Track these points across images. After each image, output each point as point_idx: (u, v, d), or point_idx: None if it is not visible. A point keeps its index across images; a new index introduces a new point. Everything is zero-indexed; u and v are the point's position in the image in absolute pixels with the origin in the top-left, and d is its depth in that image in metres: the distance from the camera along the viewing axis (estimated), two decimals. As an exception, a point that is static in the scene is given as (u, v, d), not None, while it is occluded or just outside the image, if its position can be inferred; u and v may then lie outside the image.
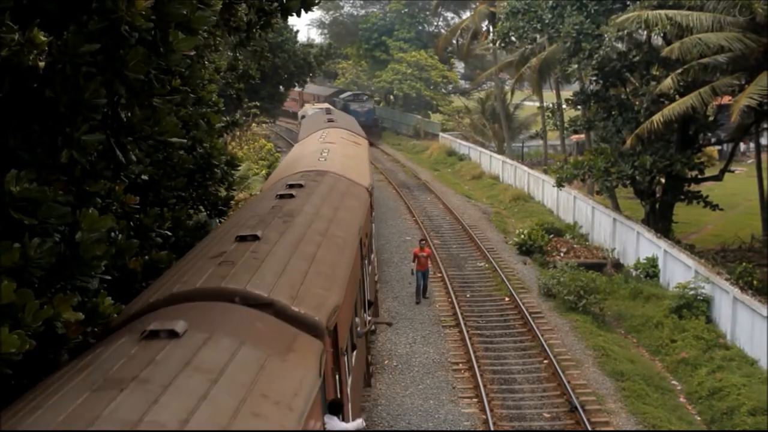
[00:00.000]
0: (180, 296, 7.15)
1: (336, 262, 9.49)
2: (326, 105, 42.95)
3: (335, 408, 7.67)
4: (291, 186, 13.16)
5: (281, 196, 12.10)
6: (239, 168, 15.16)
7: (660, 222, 25.49)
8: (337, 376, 8.26)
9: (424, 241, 23.43)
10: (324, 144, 21.17)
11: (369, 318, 13.35)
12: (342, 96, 58.25)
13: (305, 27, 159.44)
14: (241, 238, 8.92)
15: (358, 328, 11.33)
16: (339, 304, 8.13)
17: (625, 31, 23.82)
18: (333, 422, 7.52)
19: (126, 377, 5.12)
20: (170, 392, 4.95)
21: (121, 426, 4.44)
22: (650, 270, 22.59)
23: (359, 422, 8.68)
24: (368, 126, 47.83)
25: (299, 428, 5.31)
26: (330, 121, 28.75)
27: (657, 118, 22.09)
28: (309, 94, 62.11)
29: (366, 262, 14.23)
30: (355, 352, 10.73)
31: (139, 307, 7.22)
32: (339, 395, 8.25)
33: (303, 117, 39.27)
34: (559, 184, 27.83)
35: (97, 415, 4.55)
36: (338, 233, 10.89)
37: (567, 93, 32.73)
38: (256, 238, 8.95)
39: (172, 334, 5.86)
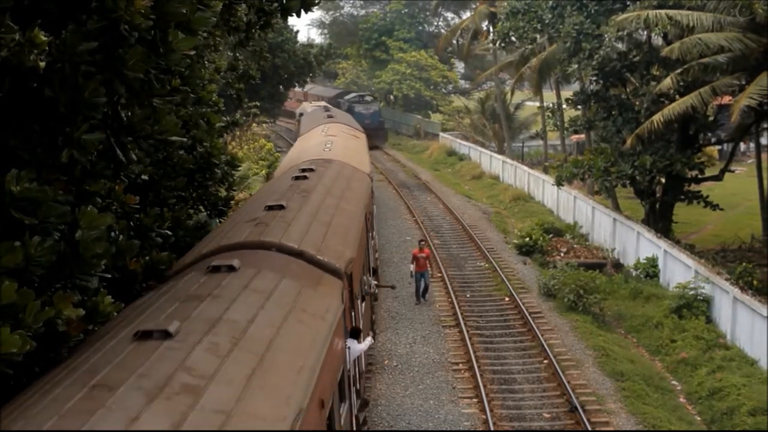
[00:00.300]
0: (227, 247, 8.83)
1: (348, 228, 11.43)
2: (323, 104, 43.08)
3: (355, 333, 9.84)
4: (303, 170, 14.61)
5: (296, 178, 13.64)
6: (239, 168, 15.44)
7: (660, 222, 25.47)
8: (352, 314, 10.09)
9: (423, 242, 23.36)
10: (327, 137, 22.27)
11: (374, 282, 15.20)
12: (347, 97, 56.64)
13: (305, 27, 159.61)
14: (270, 207, 10.54)
15: (365, 286, 13.25)
16: (353, 257, 10.06)
17: (625, 31, 23.80)
18: (353, 344, 9.56)
19: (203, 294, 6.81)
20: (237, 303, 6.63)
21: (208, 320, 6.07)
22: (650, 270, 22.57)
23: (369, 340, 11.41)
24: (373, 129, 47.16)
25: (330, 335, 7.00)
26: (329, 117, 29.99)
27: (657, 118, 22.09)
28: (312, 95, 61.74)
29: (369, 235, 16.15)
30: (363, 305, 12.44)
31: (193, 258, 8.92)
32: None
33: (302, 114, 40.17)
34: (559, 183, 27.83)
35: (189, 315, 6.18)
36: (347, 207, 12.79)
37: (567, 93, 32.70)
38: (282, 207, 10.59)
39: (231, 269, 7.55)
